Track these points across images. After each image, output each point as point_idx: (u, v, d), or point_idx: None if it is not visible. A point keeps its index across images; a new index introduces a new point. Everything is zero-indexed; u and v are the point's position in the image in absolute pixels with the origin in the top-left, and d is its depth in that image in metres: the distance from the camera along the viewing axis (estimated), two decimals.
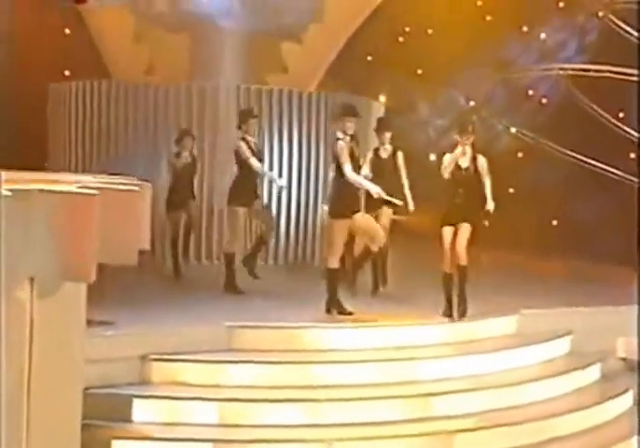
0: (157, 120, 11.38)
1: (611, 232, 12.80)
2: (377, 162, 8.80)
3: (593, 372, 8.20)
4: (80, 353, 5.18)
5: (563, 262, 12.06)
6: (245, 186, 8.91)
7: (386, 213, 8.79)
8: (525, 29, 14.37)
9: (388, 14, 14.88)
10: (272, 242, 10.44)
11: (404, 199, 8.74)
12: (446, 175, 7.61)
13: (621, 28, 12.81)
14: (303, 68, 13.01)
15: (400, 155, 8.91)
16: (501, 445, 6.67)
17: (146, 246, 5.43)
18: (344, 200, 7.68)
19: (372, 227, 7.80)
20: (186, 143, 10.01)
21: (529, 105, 14.83)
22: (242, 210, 8.94)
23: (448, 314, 7.71)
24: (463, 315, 7.65)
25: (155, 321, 7.42)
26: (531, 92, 14.88)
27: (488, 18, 14.84)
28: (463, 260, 7.69)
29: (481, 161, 7.56)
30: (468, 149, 7.46)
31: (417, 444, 6.51)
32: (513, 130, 14.78)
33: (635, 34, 12.37)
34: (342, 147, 7.56)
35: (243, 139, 8.89)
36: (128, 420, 6.46)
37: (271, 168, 10.83)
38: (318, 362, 7.02)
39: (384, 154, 8.88)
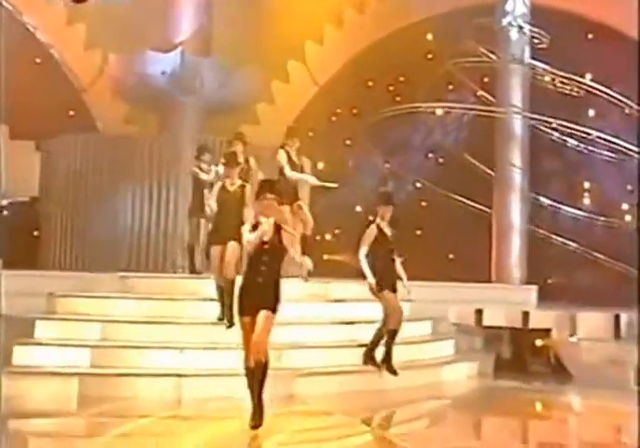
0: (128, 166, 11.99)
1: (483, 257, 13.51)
2: (223, 195, 7.36)
3: (425, 327, 8.61)
4: None
5: None
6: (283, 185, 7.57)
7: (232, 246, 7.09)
8: (424, 106, 15.29)
9: (324, 98, 16.07)
10: None
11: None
12: (249, 247, 5.56)
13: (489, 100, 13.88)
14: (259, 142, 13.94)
15: (248, 188, 7.36)
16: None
17: None
18: (379, 275, 7.00)
19: (398, 309, 7.13)
20: (205, 157, 9.12)
21: (429, 164, 15.68)
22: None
23: (252, 425, 5.45)
24: (256, 426, 5.44)
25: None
26: (430, 155, 15.75)
27: (397, 99, 15.87)
28: (261, 353, 5.44)
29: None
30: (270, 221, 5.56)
31: None
32: (419, 184, 15.51)
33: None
34: (371, 233, 7.00)
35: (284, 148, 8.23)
36: (31, 336, 7.00)
37: None
38: (187, 300, 7.52)
39: (231, 188, 7.38)
